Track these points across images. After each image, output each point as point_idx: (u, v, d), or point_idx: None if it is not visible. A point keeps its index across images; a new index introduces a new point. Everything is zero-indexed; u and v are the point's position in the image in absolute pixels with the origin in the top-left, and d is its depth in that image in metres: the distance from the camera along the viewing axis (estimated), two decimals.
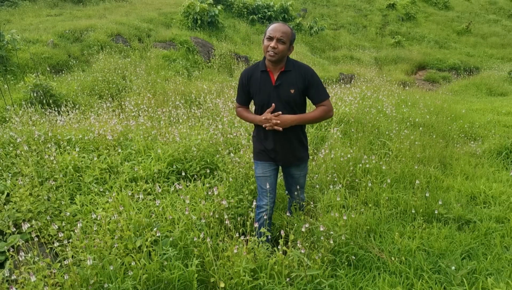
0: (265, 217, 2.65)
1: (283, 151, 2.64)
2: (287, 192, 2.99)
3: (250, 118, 2.69)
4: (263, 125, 2.53)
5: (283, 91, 2.51)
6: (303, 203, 3.03)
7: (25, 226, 2.16)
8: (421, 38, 19.66)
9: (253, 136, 2.80)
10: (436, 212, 3.16)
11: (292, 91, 2.51)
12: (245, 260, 2.32)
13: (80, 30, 11.06)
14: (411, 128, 5.57)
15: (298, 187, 2.86)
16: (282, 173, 2.94)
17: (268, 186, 2.68)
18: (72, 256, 2.35)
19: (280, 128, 2.48)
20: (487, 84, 12.32)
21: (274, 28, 2.43)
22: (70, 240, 2.50)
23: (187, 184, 3.42)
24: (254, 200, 2.77)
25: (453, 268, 2.42)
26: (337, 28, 19.53)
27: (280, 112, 2.48)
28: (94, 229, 2.60)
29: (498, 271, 2.48)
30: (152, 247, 2.46)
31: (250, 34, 14.78)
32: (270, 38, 2.42)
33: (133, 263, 2.28)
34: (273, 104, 2.49)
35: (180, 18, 13.68)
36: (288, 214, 2.97)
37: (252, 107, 2.80)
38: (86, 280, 2.20)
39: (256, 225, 2.60)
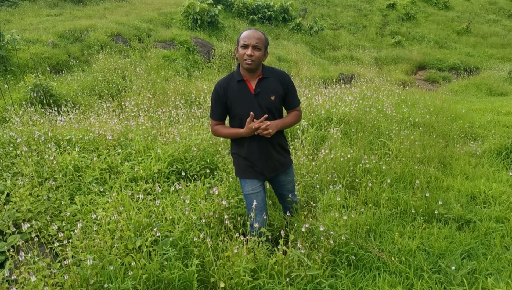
0: (256, 225, 2.56)
1: (270, 161, 2.56)
2: (280, 201, 2.97)
3: (232, 132, 2.51)
4: (256, 132, 2.40)
5: (263, 99, 2.45)
6: (297, 205, 3.01)
7: (25, 226, 2.16)
8: (421, 38, 19.67)
9: (233, 154, 2.66)
10: (436, 212, 3.16)
11: (272, 98, 2.46)
12: (245, 260, 2.32)
13: (80, 30, 11.06)
14: (411, 128, 5.57)
15: (289, 194, 2.82)
16: (270, 185, 2.88)
17: (260, 203, 2.60)
18: (72, 256, 2.35)
19: (270, 134, 2.40)
20: (487, 84, 12.32)
21: (248, 35, 2.36)
22: (70, 240, 2.50)
23: (187, 184, 3.42)
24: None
25: (453, 268, 2.42)
26: (337, 28, 19.53)
27: (265, 118, 2.38)
28: (94, 229, 2.60)
29: (498, 271, 2.48)
30: (152, 247, 2.46)
31: None
32: (245, 46, 2.35)
33: (133, 263, 2.28)
34: (251, 113, 2.37)
35: (180, 18, 13.69)
36: (288, 214, 2.97)
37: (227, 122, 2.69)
38: (86, 280, 2.20)
39: (256, 225, 2.59)
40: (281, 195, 2.88)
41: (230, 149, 2.75)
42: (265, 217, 2.61)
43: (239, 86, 2.47)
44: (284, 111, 2.69)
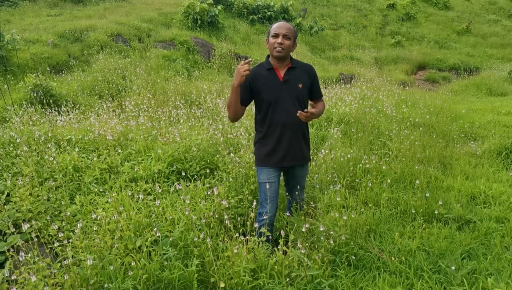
0: (265, 218, 2.64)
1: (292, 151, 2.63)
2: (287, 193, 2.99)
3: (230, 93, 2.50)
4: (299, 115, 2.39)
5: (291, 87, 2.56)
6: (303, 204, 3.03)
7: (25, 226, 2.16)
8: (421, 38, 19.67)
9: (256, 142, 2.73)
10: (436, 212, 3.16)
11: (300, 85, 2.58)
12: (245, 260, 2.32)
13: (80, 30, 11.06)
14: (411, 128, 5.57)
15: (299, 187, 2.86)
16: (283, 176, 2.92)
17: (272, 192, 2.66)
18: (72, 256, 2.35)
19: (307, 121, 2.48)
20: (487, 84, 12.31)
21: (278, 26, 2.50)
22: (70, 240, 2.49)
23: (187, 184, 3.42)
24: (254, 200, 2.77)
25: (453, 268, 2.42)
26: (337, 28, 19.53)
27: (311, 109, 2.46)
28: (94, 229, 2.60)
29: (498, 271, 2.48)
30: (152, 247, 2.46)
31: (250, 34, 14.77)
32: (276, 35, 2.48)
33: (133, 263, 2.28)
34: (248, 59, 2.43)
35: (180, 18, 13.68)
36: (288, 214, 2.97)
37: (250, 108, 2.75)
38: (86, 280, 2.19)
39: (256, 225, 2.59)
40: (292, 189, 2.91)
41: (254, 137, 2.82)
42: (274, 211, 2.72)
43: (268, 73, 2.57)
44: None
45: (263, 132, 2.65)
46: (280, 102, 2.55)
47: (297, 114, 2.41)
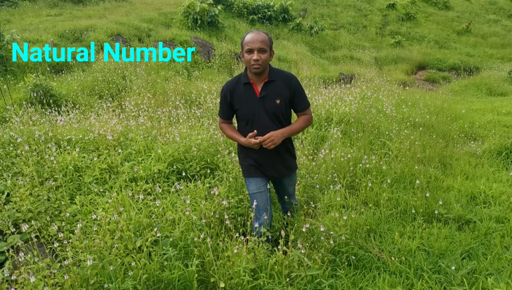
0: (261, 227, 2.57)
1: (275, 165, 2.59)
2: (279, 201, 3.00)
3: (234, 137, 2.57)
4: (262, 145, 2.40)
5: (268, 103, 2.44)
6: (296, 207, 3.02)
7: (25, 226, 2.16)
8: (421, 38, 19.67)
9: (239, 153, 2.69)
10: (436, 212, 3.16)
11: (278, 101, 2.44)
12: (245, 260, 2.32)
13: (80, 30, 11.06)
14: (411, 128, 5.57)
15: (289, 196, 2.85)
16: (272, 184, 2.91)
17: (265, 202, 2.61)
18: (72, 257, 2.35)
19: (276, 144, 2.39)
20: (487, 84, 12.31)
21: (251, 39, 2.32)
22: (70, 240, 2.49)
23: (187, 184, 3.42)
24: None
25: (453, 268, 2.42)
26: (337, 28, 19.53)
27: (270, 133, 2.38)
28: (94, 229, 2.60)
29: (498, 271, 2.48)
30: (152, 247, 2.46)
31: None
32: (250, 51, 2.33)
33: (133, 263, 2.28)
34: (255, 131, 2.42)
35: (180, 18, 13.68)
36: (288, 214, 2.97)
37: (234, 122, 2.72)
38: (86, 280, 2.20)
39: (256, 225, 2.59)
40: (282, 197, 2.91)
41: (236, 149, 2.76)
42: (265, 217, 2.60)
43: (245, 89, 2.47)
44: (293, 117, 2.68)
45: (243, 148, 2.60)
46: (258, 119, 2.46)
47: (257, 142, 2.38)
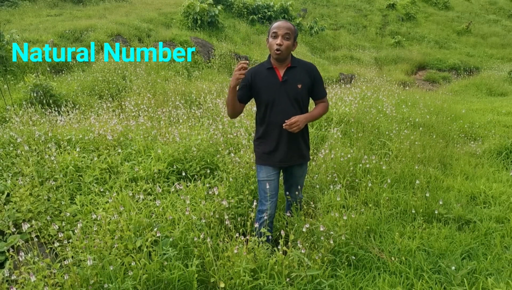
0: (265, 217, 2.65)
1: (290, 152, 2.63)
2: (287, 193, 2.99)
3: (228, 93, 2.49)
4: (285, 127, 2.43)
5: (290, 87, 2.52)
6: (301, 203, 3.03)
7: (25, 226, 2.16)
8: (421, 38, 19.66)
9: (255, 140, 2.75)
10: (436, 212, 3.16)
11: (299, 86, 2.54)
12: (245, 260, 2.32)
13: (80, 30, 11.05)
14: (411, 128, 5.57)
15: (298, 187, 2.86)
16: (282, 174, 2.93)
17: (272, 190, 2.67)
18: (72, 256, 2.35)
19: (300, 128, 2.45)
20: (487, 84, 12.31)
21: (278, 25, 2.44)
22: (70, 240, 2.50)
23: (187, 184, 3.42)
24: (255, 200, 2.76)
25: (453, 268, 2.42)
26: (337, 28, 19.53)
27: (296, 117, 2.43)
28: (94, 229, 2.60)
29: (498, 271, 2.48)
30: (152, 247, 2.46)
31: (250, 34, 14.77)
32: (275, 36, 2.44)
33: (133, 263, 2.28)
34: (245, 61, 2.43)
35: (180, 18, 13.68)
36: (288, 214, 2.97)
37: (250, 108, 2.74)
38: (86, 280, 2.20)
39: (256, 225, 2.60)
40: (290, 187, 2.92)
41: (254, 136, 2.83)
42: (269, 204, 2.68)
43: (267, 73, 2.55)
44: (311, 104, 2.73)
45: (262, 131, 2.66)
46: (278, 103, 2.53)
47: (283, 127, 2.43)
